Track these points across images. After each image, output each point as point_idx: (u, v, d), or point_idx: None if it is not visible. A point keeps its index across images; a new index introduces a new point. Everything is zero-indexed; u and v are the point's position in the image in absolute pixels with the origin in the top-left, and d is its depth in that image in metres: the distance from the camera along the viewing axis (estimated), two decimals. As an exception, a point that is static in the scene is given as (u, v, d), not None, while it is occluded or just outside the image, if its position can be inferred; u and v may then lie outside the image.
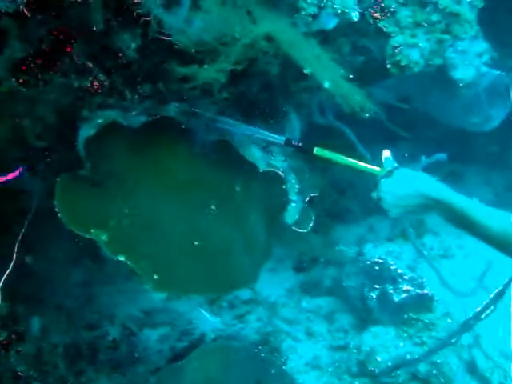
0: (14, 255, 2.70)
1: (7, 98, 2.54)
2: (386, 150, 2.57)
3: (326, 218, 4.91)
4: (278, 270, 4.82)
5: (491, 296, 3.21)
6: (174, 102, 2.86)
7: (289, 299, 4.64)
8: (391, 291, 4.11)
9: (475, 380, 4.03)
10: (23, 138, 2.72)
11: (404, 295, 4.08)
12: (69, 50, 2.42)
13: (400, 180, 2.43)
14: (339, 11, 2.75)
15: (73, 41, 2.42)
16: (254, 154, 3.12)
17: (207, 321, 4.22)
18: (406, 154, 2.91)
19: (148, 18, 2.41)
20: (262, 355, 3.83)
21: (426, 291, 4.13)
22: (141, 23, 2.46)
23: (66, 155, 2.81)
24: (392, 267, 4.20)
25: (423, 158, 3.01)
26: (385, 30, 3.12)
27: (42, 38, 2.35)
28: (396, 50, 3.14)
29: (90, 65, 2.53)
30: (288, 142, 2.84)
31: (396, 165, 2.50)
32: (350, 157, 2.69)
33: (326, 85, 2.76)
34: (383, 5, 3.08)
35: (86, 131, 2.72)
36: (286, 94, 3.36)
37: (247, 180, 3.14)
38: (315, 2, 2.71)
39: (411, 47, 3.13)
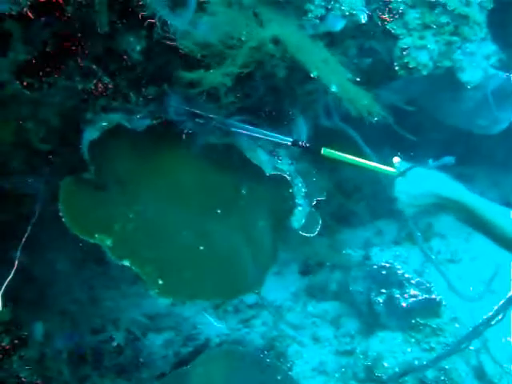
0: (16, 260, 2.66)
1: (11, 100, 2.52)
2: (395, 158, 2.55)
3: (332, 222, 4.86)
4: (283, 274, 4.79)
5: (502, 302, 3.17)
6: (179, 105, 2.83)
7: (294, 303, 4.61)
8: (398, 296, 4.07)
9: (484, 386, 3.99)
10: (27, 141, 2.70)
11: (411, 300, 4.04)
12: (73, 52, 2.39)
13: (414, 179, 2.41)
14: (347, 13, 2.72)
15: (77, 43, 2.39)
16: (260, 158, 3.09)
17: (212, 325, 4.19)
18: (412, 153, 2.88)
19: (153, 20, 2.39)
20: (268, 360, 3.79)
21: (433, 296, 4.09)
22: (146, 25, 2.44)
23: (70, 158, 2.79)
24: (399, 271, 4.16)
25: (430, 161, 3.00)
26: (393, 31, 3.09)
27: (46, 41, 2.33)
28: (404, 52, 3.11)
29: (95, 67, 2.51)
30: (295, 143, 2.82)
31: (410, 164, 2.48)
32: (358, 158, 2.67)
33: (333, 88, 2.74)
34: (391, 6, 3.04)
35: (90, 134, 2.69)
36: (292, 97, 3.33)
37: (253, 184, 3.12)
38: (322, 3, 2.68)
39: (420, 49, 3.09)
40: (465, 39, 3.12)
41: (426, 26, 3.06)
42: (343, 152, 2.70)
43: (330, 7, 2.70)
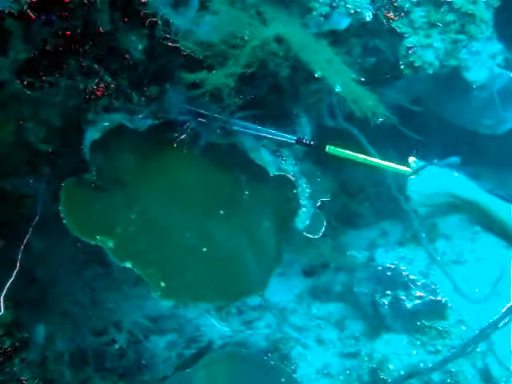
0: (18, 262, 2.63)
1: (11, 100, 2.49)
2: (411, 157, 2.52)
3: (336, 223, 4.83)
4: (287, 275, 4.76)
5: (509, 305, 3.13)
6: (182, 104, 2.80)
7: (298, 305, 4.58)
8: (403, 297, 4.03)
9: (490, 389, 3.95)
10: (28, 141, 2.67)
11: (417, 302, 4.01)
12: (74, 51, 2.36)
13: (427, 178, 2.38)
14: (352, 11, 2.69)
15: (78, 42, 2.36)
16: (264, 158, 3.05)
17: (215, 327, 4.16)
18: (415, 151, 2.85)
19: (155, 19, 2.36)
20: (272, 363, 3.75)
21: (439, 298, 4.05)
22: (148, 24, 2.41)
23: (71, 159, 2.75)
24: (404, 273, 4.13)
25: (436, 161, 2.98)
26: (398, 30, 3.06)
27: (47, 39, 2.30)
28: (410, 51, 3.08)
29: (96, 66, 2.48)
30: (299, 141, 2.79)
31: (423, 163, 2.45)
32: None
33: (338, 89, 2.72)
34: (396, 5, 3.01)
35: (92, 135, 2.66)
36: (295, 96, 3.30)
37: (257, 184, 3.09)
38: (327, 1, 2.65)
39: (426, 48, 3.06)
40: (471, 37, 3.09)
41: (432, 25, 3.03)
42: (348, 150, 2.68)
43: (334, 5, 2.67)
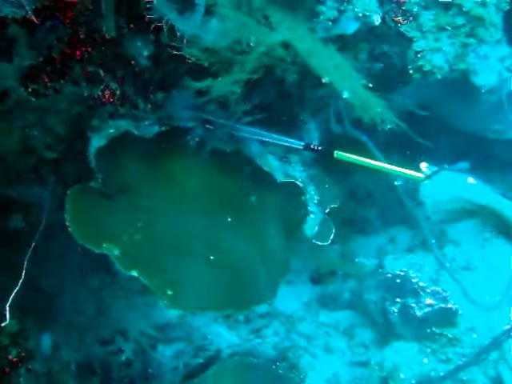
0: (23, 271, 2.60)
1: (16, 107, 2.47)
2: (423, 163, 2.49)
3: (344, 229, 4.79)
4: (294, 283, 4.70)
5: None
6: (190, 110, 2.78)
7: (306, 313, 4.52)
8: (413, 305, 3.98)
9: (503, 398, 3.88)
10: (33, 149, 2.65)
11: (427, 309, 3.96)
12: (79, 57, 2.33)
13: (441, 183, 2.35)
14: (360, 14, 2.66)
15: (84, 48, 2.34)
16: (271, 164, 3.02)
17: (223, 336, 4.12)
18: (422, 157, 2.83)
19: (160, 24, 2.33)
20: (280, 372, 3.71)
21: (449, 305, 4.00)
22: (153, 30, 2.38)
23: (76, 166, 2.73)
24: (414, 280, 4.07)
25: (445, 166, 2.96)
26: (407, 34, 3.02)
27: (52, 46, 2.28)
28: (419, 55, 3.04)
29: (101, 73, 2.45)
30: (307, 147, 2.77)
31: (436, 168, 2.42)
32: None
33: (346, 95, 2.69)
34: (405, 8, 2.97)
35: (97, 142, 2.64)
36: (303, 102, 3.27)
37: (264, 191, 3.06)
38: (335, 5, 2.62)
39: (435, 52, 3.02)
40: (481, 41, 3.05)
41: (441, 28, 3.00)
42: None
43: (342, 9, 2.64)
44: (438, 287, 4.09)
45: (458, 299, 4.18)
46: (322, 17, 2.65)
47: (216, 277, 2.69)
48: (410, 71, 3.11)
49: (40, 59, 2.29)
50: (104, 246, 2.52)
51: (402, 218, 4.79)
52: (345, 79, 2.73)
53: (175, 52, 2.43)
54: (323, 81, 2.66)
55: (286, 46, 2.58)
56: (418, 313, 3.97)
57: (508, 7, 3.13)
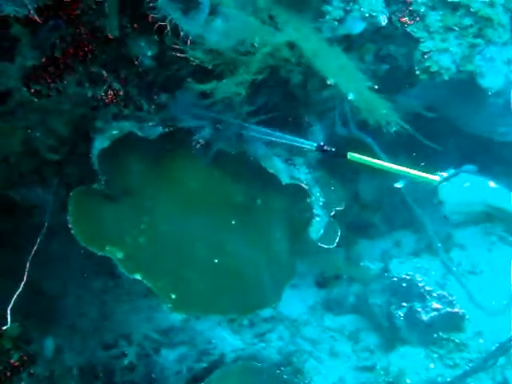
0: (25, 274, 2.58)
1: (19, 108, 2.44)
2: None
3: (348, 233, 4.75)
4: (299, 286, 4.67)
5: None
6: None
7: (311, 317, 4.49)
8: (419, 309, 3.95)
9: (510, 404, 3.84)
10: (36, 150, 2.62)
11: (433, 313, 3.92)
12: (82, 57, 2.31)
13: (460, 186, 2.32)
14: (367, 14, 2.63)
15: (86, 48, 2.31)
16: (276, 166, 2.99)
17: (227, 340, 4.08)
18: (423, 163, 2.80)
19: (164, 23, 2.30)
20: (285, 377, 3.67)
21: (456, 309, 3.96)
22: (157, 29, 2.35)
23: (79, 168, 2.71)
24: (420, 284, 4.04)
25: (451, 169, 2.93)
26: (414, 34, 2.99)
27: (55, 45, 2.25)
28: (426, 56, 3.01)
29: (105, 73, 2.42)
30: (320, 148, 2.74)
31: (454, 170, 2.39)
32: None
33: (351, 97, 2.66)
34: (412, 9, 2.95)
35: (101, 143, 2.61)
36: (308, 103, 3.25)
37: (269, 193, 3.03)
38: (341, 5, 2.59)
39: (442, 52, 2.99)
40: (489, 42, 3.03)
41: (448, 29, 2.97)
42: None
43: (349, 9, 2.61)
44: (445, 291, 4.06)
45: (465, 303, 4.15)
46: (327, 16, 2.62)
47: (220, 280, 2.67)
48: (417, 72, 3.09)
49: (43, 59, 2.26)
50: (107, 248, 2.50)
51: (407, 222, 4.76)
52: (350, 81, 2.71)
53: (179, 55, 2.41)
54: (328, 82, 2.63)
55: (291, 46, 2.55)
56: (425, 317, 3.94)
57: (516, 7, 3.11)
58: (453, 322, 3.98)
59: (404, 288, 4.08)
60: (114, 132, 2.63)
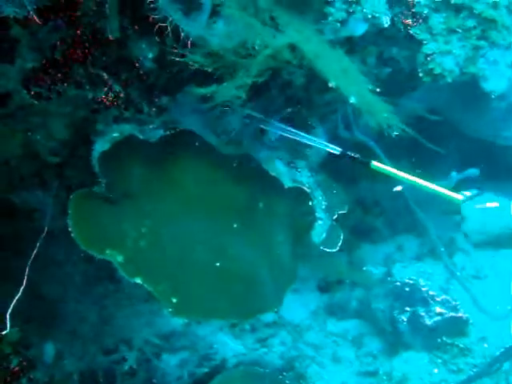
0: (25, 279, 2.56)
1: (19, 111, 2.43)
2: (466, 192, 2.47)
3: (351, 237, 4.73)
4: (301, 291, 4.65)
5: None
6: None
7: (314, 322, 4.47)
8: (423, 314, 3.93)
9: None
10: (36, 153, 2.61)
11: (437, 318, 3.89)
12: (82, 59, 2.29)
13: (483, 206, 2.31)
14: (369, 16, 2.61)
15: (87, 50, 2.29)
16: (278, 169, 2.98)
17: (228, 345, 4.06)
18: (420, 171, 2.80)
19: (165, 25, 2.28)
20: (287, 382, 3.65)
21: (460, 314, 3.94)
22: (158, 31, 2.34)
23: (80, 171, 2.69)
24: (423, 288, 4.02)
25: (454, 173, 2.93)
26: (416, 36, 2.98)
27: (55, 47, 2.23)
28: (429, 58, 3.00)
29: (105, 75, 2.41)
30: (344, 154, 2.75)
31: (478, 190, 2.38)
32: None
33: (353, 100, 2.65)
34: (414, 10, 2.93)
35: (101, 146, 2.59)
36: (310, 106, 3.23)
37: (271, 196, 3.00)
38: (344, 6, 2.57)
39: (445, 54, 2.98)
40: (492, 44, 3.01)
41: (452, 31, 2.96)
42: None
43: (351, 10, 2.59)
44: (448, 296, 4.04)
45: (469, 308, 4.13)
46: (330, 18, 2.61)
47: (221, 284, 2.65)
48: (420, 74, 3.08)
49: (43, 61, 2.24)
50: (107, 252, 2.48)
51: (410, 226, 4.74)
52: (352, 84, 2.69)
53: (179, 59, 2.39)
54: (330, 85, 2.62)
55: (292, 48, 2.53)
56: (428, 322, 3.93)
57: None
58: (457, 326, 3.96)
59: (407, 292, 4.06)
60: (115, 135, 2.61)
